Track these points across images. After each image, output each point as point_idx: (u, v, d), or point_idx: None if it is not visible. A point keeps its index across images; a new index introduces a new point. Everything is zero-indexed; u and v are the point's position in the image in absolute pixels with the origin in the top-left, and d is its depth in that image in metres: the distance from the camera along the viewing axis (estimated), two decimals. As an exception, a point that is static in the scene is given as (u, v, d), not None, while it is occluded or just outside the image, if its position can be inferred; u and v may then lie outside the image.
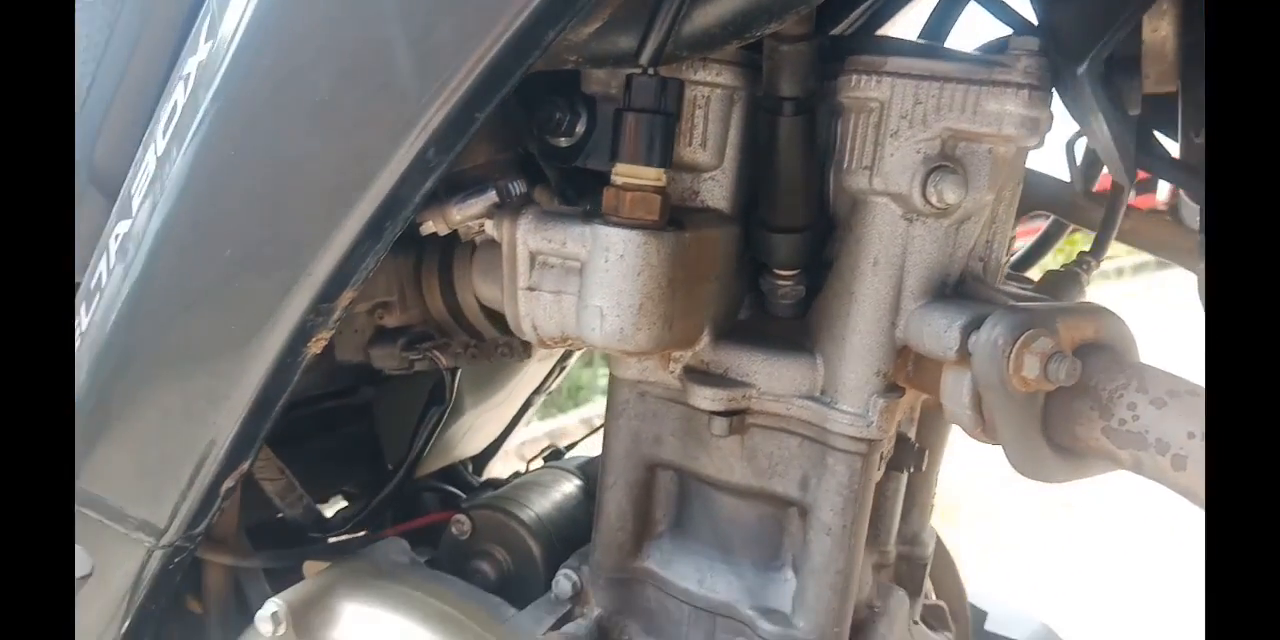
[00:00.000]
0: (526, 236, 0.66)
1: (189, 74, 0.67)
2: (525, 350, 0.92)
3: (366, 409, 1.17)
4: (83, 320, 0.77)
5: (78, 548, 0.81)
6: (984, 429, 0.66)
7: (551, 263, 0.67)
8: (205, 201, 0.67)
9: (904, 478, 0.85)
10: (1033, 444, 0.63)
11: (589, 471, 1.01)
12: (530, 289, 0.67)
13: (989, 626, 1.09)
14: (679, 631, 0.78)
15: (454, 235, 0.88)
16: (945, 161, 0.63)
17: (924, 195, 0.62)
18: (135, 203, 0.69)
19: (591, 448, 1.21)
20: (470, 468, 1.27)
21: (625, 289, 0.63)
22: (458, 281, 0.86)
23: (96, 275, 0.74)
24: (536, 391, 1.26)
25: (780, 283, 0.73)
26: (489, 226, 0.68)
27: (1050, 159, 0.88)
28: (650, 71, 0.61)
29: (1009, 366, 0.59)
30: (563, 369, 1.24)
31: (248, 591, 0.99)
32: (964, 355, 0.63)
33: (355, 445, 1.18)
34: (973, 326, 0.62)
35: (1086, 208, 0.89)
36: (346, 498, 1.27)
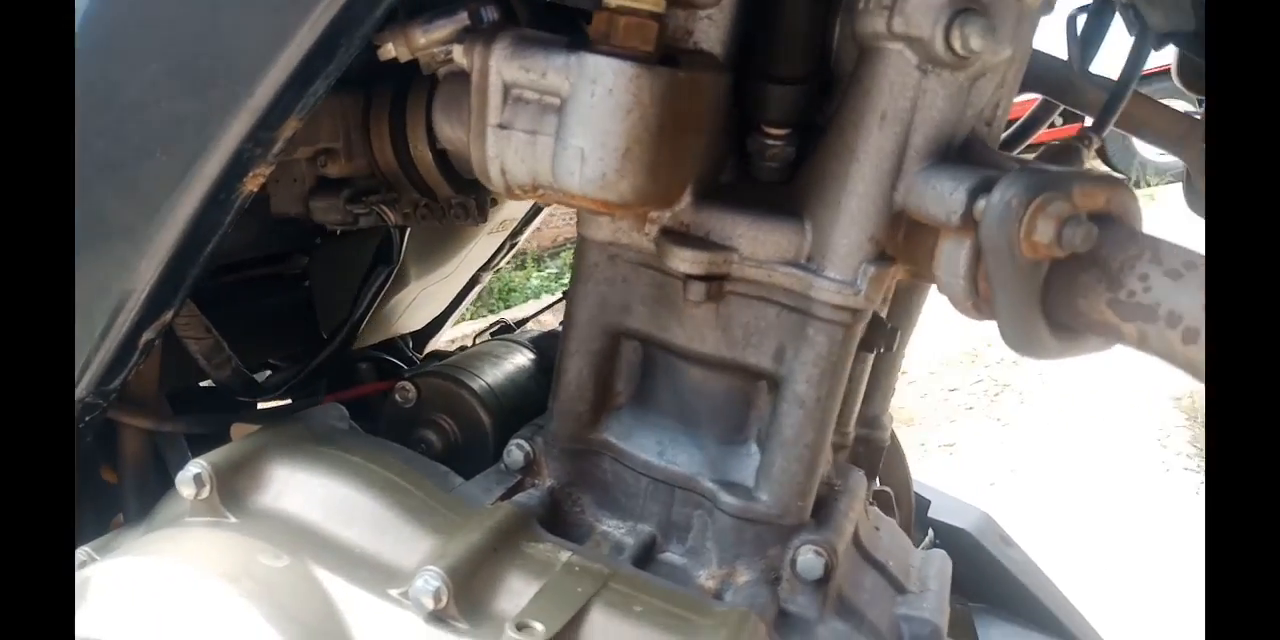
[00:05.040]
0: (501, 65, 0.59)
1: None
2: (480, 213, 0.85)
3: (300, 278, 1.10)
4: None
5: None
6: (976, 303, 0.62)
7: (528, 97, 0.59)
8: (134, 4, 0.57)
9: (871, 358, 0.82)
10: (1030, 318, 0.60)
11: (542, 345, 0.96)
12: (501, 127, 0.60)
13: (932, 514, 1.10)
14: (635, 504, 0.75)
15: (407, 78, 0.80)
16: (971, 4, 0.57)
17: (947, 40, 0.57)
18: (41, 4, 0.59)
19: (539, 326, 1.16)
20: (410, 344, 1.21)
21: (611, 129, 0.57)
22: (410, 130, 0.78)
23: None
24: (483, 268, 1.19)
25: (770, 142, 0.68)
26: (457, 54, 0.60)
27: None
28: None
29: (1020, 230, 0.55)
30: (513, 245, 1.17)
31: (168, 459, 0.93)
32: (968, 221, 0.58)
33: (287, 315, 1.10)
34: (980, 190, 0.58)
35: (1081, 88, 0.84)
36: (275, 369, 1.20)
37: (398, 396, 0.83)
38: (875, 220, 0.63)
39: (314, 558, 0.65)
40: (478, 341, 1.08)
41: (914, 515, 1.09)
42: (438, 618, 0.60)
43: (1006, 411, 3.78)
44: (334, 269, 1.06)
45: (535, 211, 1.14)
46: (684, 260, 0.65)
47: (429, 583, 0.60)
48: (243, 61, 0.56)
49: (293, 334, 1.11)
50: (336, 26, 0.55)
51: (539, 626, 0.58)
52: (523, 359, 0.92)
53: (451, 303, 1.22)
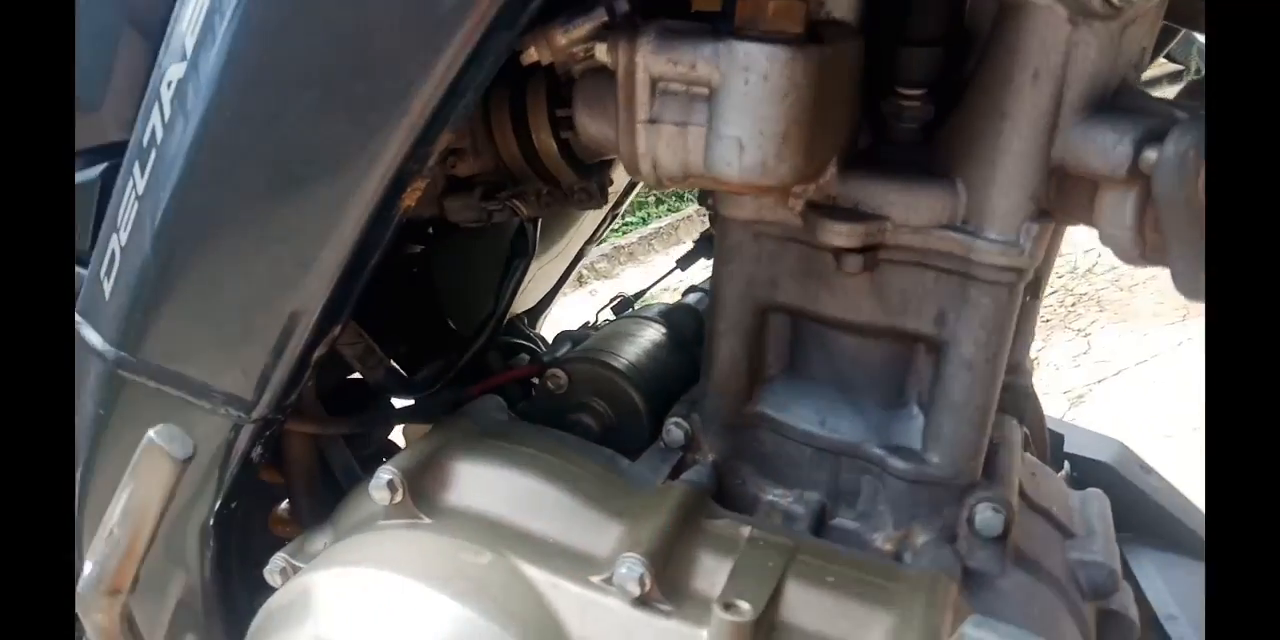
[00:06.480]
0: (648, 60, 0.58)
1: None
2: (602, 195, 0.86)
3: (422, 266, 1.11)
4: (138, 181, 0.69)
5: (176, 429, 0.77)
6: (1144, 252, 0.62)
7: (675, 90, 0.59)
8: (279, 36, 0.58)
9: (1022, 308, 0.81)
10: (1204, 263, 0.59)
11: (672, 319, 0.97)
12: (651, 121, 0.60)
13: (1068, 448, 1.10)
14: (799, 473, 0.77)
15: (521, 73, 0.80)
16: (1129, -51, 0.55)
17: (1105, -9, 0.55)
18: (189, 43, 0.60)
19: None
20: (525, 322, 1.23)
21: (769, 115, 0.56)
22: (533, 122, 0.79)
23: (149, 129, 0.66)
24: (589, 241, 1.20)
25: (907, 103, 0.67)
26: (600, 52, 0.60)
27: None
28: None
29: (1198, 182, 0.54)
30: (615, 215, 1.18)
31: (330, 458, 0.96)
32: (1134, 173, 0.57)
33: (411, 304, 1.12)
34: (1146, 141, 0.57)
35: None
36: (399, 360, 1.23)
37: (550, 383, 0.86)
38: (1034, 178, 0.62)
39: (512, 551, 0.68)
40: (600, 317, 1.10)
41: (1049, 452, 1.09)
42: (643, 602, 0.63)
43: (1085, 322, 3.73)
44: (459, 258, 1.08)
45: (635, 182, 1.14)
46: (838, 234, 0.65)
47: (633, 569, 0.62)
48: (398, 83, 0.57)
49: (418, 327, 1.14)
50: (485, 39, 0.56)
51: (745, 605, 0.59)
52: (655, 334, 0.93)
53: (561, 277, 1.24)
